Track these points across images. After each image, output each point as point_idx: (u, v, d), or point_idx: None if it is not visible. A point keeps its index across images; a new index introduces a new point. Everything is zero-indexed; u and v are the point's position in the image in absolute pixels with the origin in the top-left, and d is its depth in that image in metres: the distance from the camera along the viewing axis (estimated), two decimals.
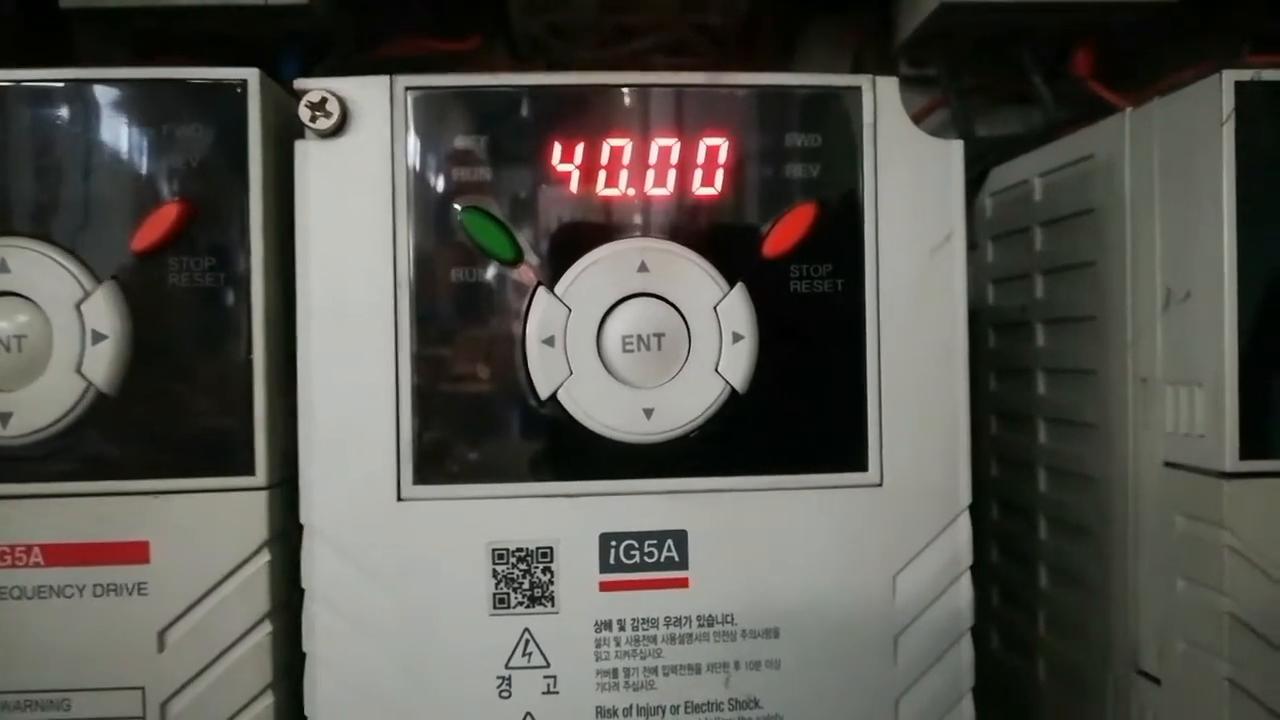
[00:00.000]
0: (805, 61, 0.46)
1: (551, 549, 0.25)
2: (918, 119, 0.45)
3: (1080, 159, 0.33)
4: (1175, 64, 0.41)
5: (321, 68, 0.40)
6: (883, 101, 0.26)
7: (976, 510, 0.41)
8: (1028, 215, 0.37)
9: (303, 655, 0.25)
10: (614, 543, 0.25)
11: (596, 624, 0.25)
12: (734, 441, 0.26)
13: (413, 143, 0.25)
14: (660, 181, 0.26)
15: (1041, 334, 0.36)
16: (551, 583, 0.25)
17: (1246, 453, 0.26)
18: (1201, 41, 0.44)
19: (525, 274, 0.26)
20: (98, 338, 0.25)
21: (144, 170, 0.25)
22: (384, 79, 0.25)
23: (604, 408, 0.25)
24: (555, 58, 0.43)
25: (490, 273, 0.26)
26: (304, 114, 0.25)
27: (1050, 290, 0.36)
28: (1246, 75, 0.26)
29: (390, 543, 0.25)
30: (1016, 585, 0.39)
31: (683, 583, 0.26)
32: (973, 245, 0.42)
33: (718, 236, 0.26)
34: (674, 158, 0.26)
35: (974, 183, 0.42)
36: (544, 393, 0.25)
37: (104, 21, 0.37)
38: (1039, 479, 0.37)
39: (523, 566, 0.25)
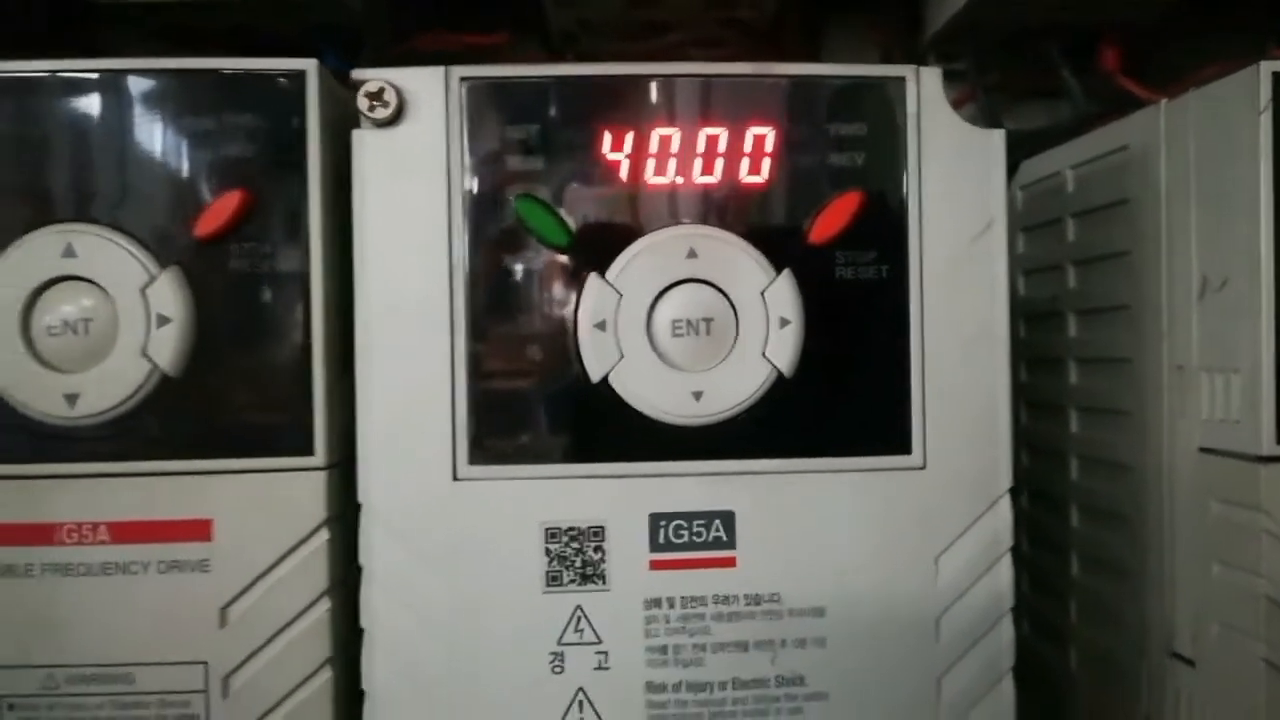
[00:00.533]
0: (832, 55, 0.46)
1: (603, 528, 0.26)
2: None
3: (1114, 150, 0.34)
4: (1197, 60, 0.41)
5: (361, 60, 0.41)
6: (926, 92, 0.27)
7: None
8: (1060, 207, 0.37)
9: (360, 631, 0.26)
10: (663, 522, 0.26)
11: (646, 601, 0.26)
12: (781, 424, 0.26)
13: (467, 131, 0.26)
14: (708, 170, 0.26)
15: (1074, 324, 0.37)
16: (603, 561, 0.26)
17: None
18: (1224, 38, 0.44)
19: (577, 260, 0.26)
20: (162, 321, 0.25)
21: (205, 159, 0.26)
22: (439, 69, 0.26)
23: (654, 390, 0.26)
24: (585, 51, 0.43)
25: (543, 259, 0.26)
26: (362, 103, 0.26)
27: (1083, 280, 0.36)
28: None
29: (446, 522, 0.26)
30: (1048, 574, 0.39)
31: (730, 562, 0.26)
32: None
33: (764, 224, 0.26)
34: (721, 146, 0.26)
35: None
36: (595, 376, 0.26)
37: (135, 13, 0.37)
38: (1071, 468, 0.37)
39: (575, 545, 0.26)
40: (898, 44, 0.46)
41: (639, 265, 0.26)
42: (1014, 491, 0.41)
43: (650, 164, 0.26)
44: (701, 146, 0.26)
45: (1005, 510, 0.27)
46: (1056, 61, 0.43)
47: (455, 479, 0.26)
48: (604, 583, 0.26)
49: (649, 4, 0.40)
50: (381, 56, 0.42)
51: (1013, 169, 0.42)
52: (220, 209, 0.26)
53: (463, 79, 0.26)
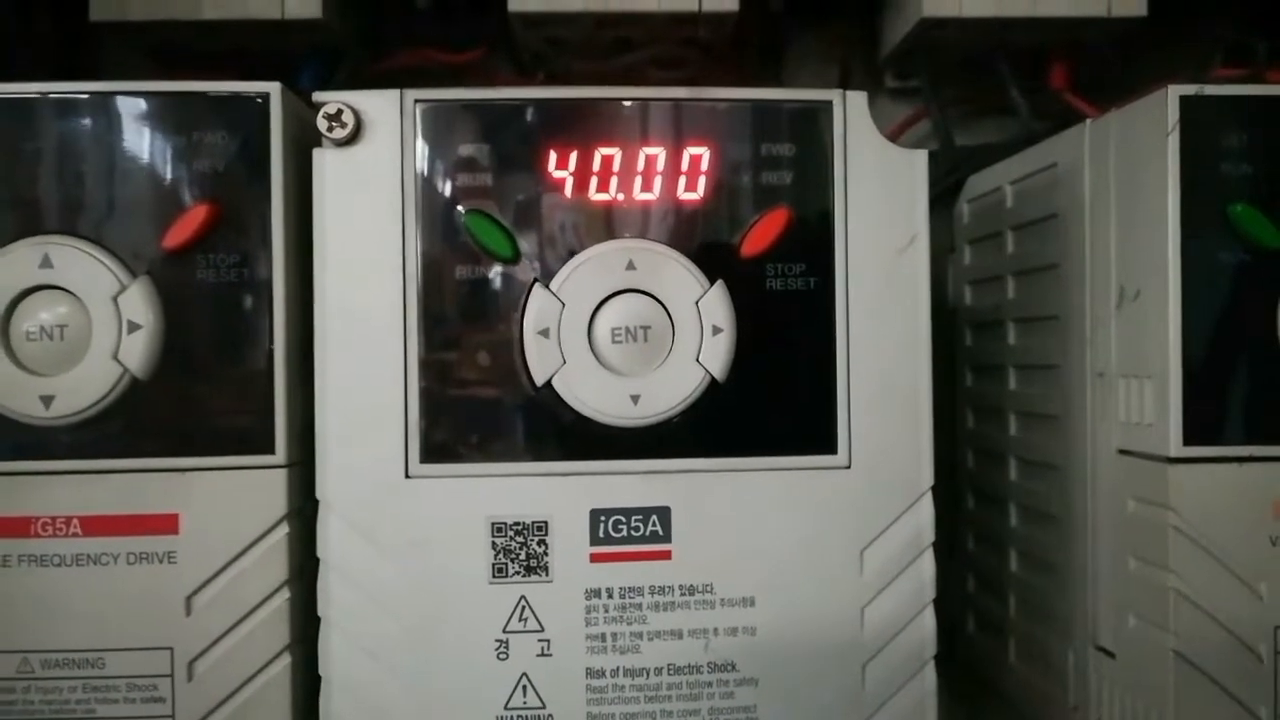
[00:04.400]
0: (793, 74, 0.48)
1: (546, 523, 0.28)
2: (902, 129, 0.47)
3: (1046, 167, 0.35)
4: (1152, 77, 0.43)
5: (336, 79, 0.42)
6: (853, 114, 0.28)
7: (955, 501, 0.43)
8: (1000, 220, 0.39)
9: (318, 619, 0.27)
10: (603, 518, 0.28)
11: (587, 592, 0.28)
12: (714, 426, 0.28)
13: (421, 151, 0.28)
14: (647, 187, 0.28)
15: (1013, 332, 0.39)
16: (546, 554, 0.28)
17: (1189, 439, 0.28)
18: (1177, 55, 0.46)
19: (523, 271, 0.28)
20: (133, 328, 0.27)
21: (175, 175, 0.27)
22: (395, 92, 0.28)
23: (594, 394, 0.27)
24: (554, 69, 0.45)
25: (491, 270, 0.28)
26: (321, 124, 0.27)
27: (1020, 291, 0.38)
28: (1191, 90, 0.29)
29: (398, 517, 0.27)
30: (991, 571, 0.41)
31: (666, 555, 0.28)
32: (951, 249, 0.45)
33: (699, 237, 0.28)
34: (660, 165, 0.28)
35: (953, 190, 0.45)
36: (539, 380, 0.27)
37: (128, 35, 0.39)
38: (1010, 469, 0.39)
39: (520, 539, 0.28)
40: (858, 63, 0.48)
41: (581, 276, 0.28)
42: (961, 493, 0.43)
43: (593, 181, 0.28)
44: (642, 165, 0.28)
45: (927, 507, 0.28)
46: (1007, 79, 0.45)
47: (407, 476, 0.27)
48: (547, 574, 0.28)
49: (614, 25, 0.42)
50: (360, 75, 0.43)
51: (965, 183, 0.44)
52: (188, 222, 0.27)
53: (417, 101, 0.28)
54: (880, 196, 0.28)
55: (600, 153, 0.28)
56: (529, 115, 0.28)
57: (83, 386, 0.27)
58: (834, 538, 0.28)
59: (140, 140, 0.28)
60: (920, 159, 0.29)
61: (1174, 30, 0.44)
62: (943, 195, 0.45)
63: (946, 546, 0.43)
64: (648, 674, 0.28)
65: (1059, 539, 0.34)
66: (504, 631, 0.27)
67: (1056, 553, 0.35)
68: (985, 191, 0.41)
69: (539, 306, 0.28)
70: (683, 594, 0.28)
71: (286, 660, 0.28)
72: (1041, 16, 0.39)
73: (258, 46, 0.41)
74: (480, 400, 0.28)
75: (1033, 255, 0.37)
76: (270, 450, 0.27)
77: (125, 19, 0.38)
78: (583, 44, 0.43)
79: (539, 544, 0.28)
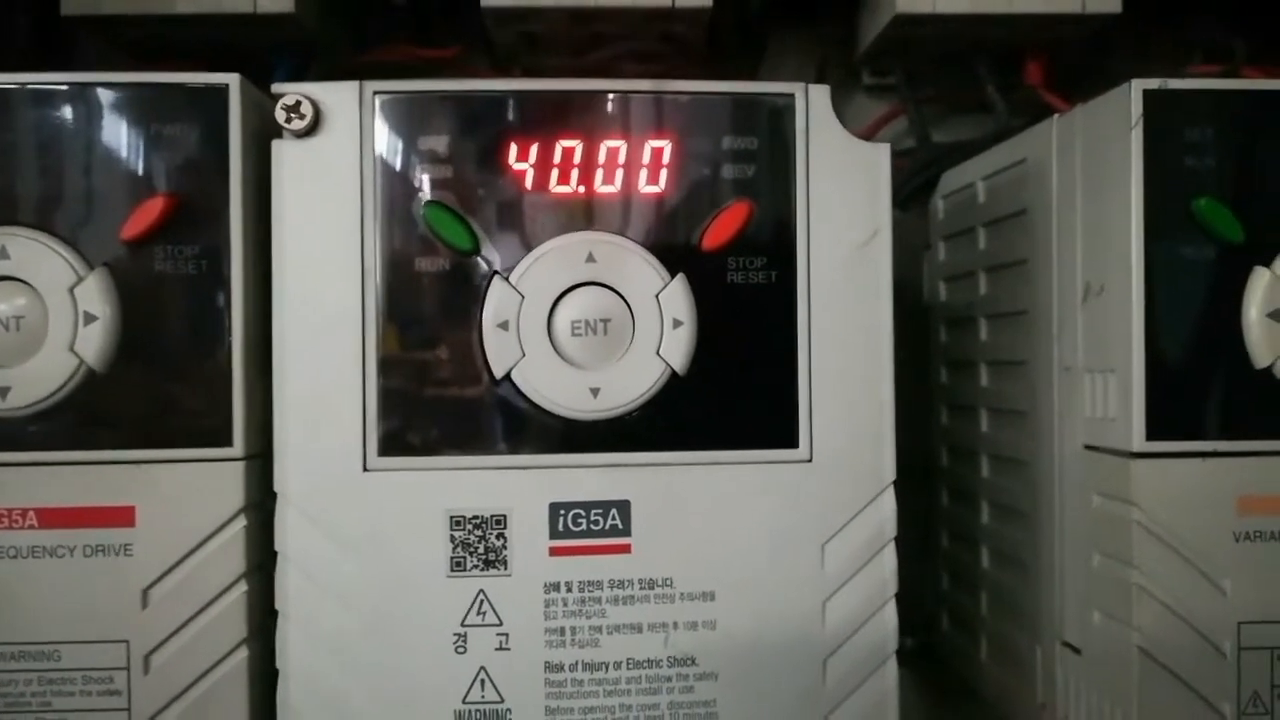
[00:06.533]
0: (771, 71, 0.48)
1: (505, 516, 0.27)
2: (878, 126, 0.47)
3: (1015, 163, 0.35)
4: (1128, 75, 0.43)
5: (311, 74, 0.42)
6: (815, 108, 0.28)
7: (929, 498, 0.43)
8: (973, 216, 0.39)
9: (275, 613, 0.27)
10: (562, 511, 0.28)
11: (546, 585, 0.27)
12: (674, 419, 0.28)
13: (380, 142, 0.28)
14: (608, 179, 0.28)
15: (984, 328, 0.38)
16: (504, 547, 0.27)
17: (1153, 434, 0.28)
18: (1153, 53, 0.46)
19: (482, 264, 0.28)
20: (89, 319, 0.27)
21: (133, 166, 0.27)
22: (354, 84, 0.28)
23: (554, 387, 0.27)
24: (530, 64, 0.45)
25: (450, 262, 0.28)
26: (280, 115, 0.27)
27: (991, 286, 0.38)
28: (1154, 84, 0.28)
29: (356, 510, 0.27)
30: (964, 568, 0.41)
31: (625, 548, 0.28)
32: (926, 245, 0.45)
33: (660, 230, 0.28)
34: (621, 158, 0.28)
35: (928, 186, 0.45)
36: (499, 373, 0.27)
37: (103, 29, 0.39)
38: (982, 466, 0.39)
39: (478, 532, 0.27)
40: (835, 59, 0.48)
41: (541, 268, 0.27)
42: (935, 490, 0.43)
43: (554, 173, 0.28)
44: (603, 157, 0.28)
45: (889, 502, 0.28)
46: (983, 76, 0.45)
47: (365, 469, 0.27)
48: (505, 568, 0.27)
49: (587, 20, 0.42)
50: (335, 70, 0.43)
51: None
52: (146, 213, 0.27)
53: (376, 93, 0.28)
54: (843, 190, 0.28)
55: (561, 145, 0.28)
56: (489, 107, 0.28)
57: (39, 378, 0.27)
58: (795, 532, 0.28)
59: (98, 131, 0.27)
60: (883, 153, 0.28)
61: (1151, 28, 0.44)
62: (918, 192, 0.45)
63: (921, 544, 0.43)
64: (607, 668, 0.28)
65: (1027, 535, 0.34)
66: (462, 625, 0.27)
67: (1025, 549, 0.35)
68: (959, 187, 0.41)
69: (498, 299, 0.27)
70: (642, 588, 0.28)
71: (243, 654, 0.27)
72: (1017, 13, 0.39)
73: (232, 41, 0.41)
74: (439, 393, 0.28)
75: (1003, 251, 0.36)
76: (228, 443, 0.27)
77: (98, 13, 0.38)
78: (557, 39, 0.43)
79: (498, 537, 0.27)
